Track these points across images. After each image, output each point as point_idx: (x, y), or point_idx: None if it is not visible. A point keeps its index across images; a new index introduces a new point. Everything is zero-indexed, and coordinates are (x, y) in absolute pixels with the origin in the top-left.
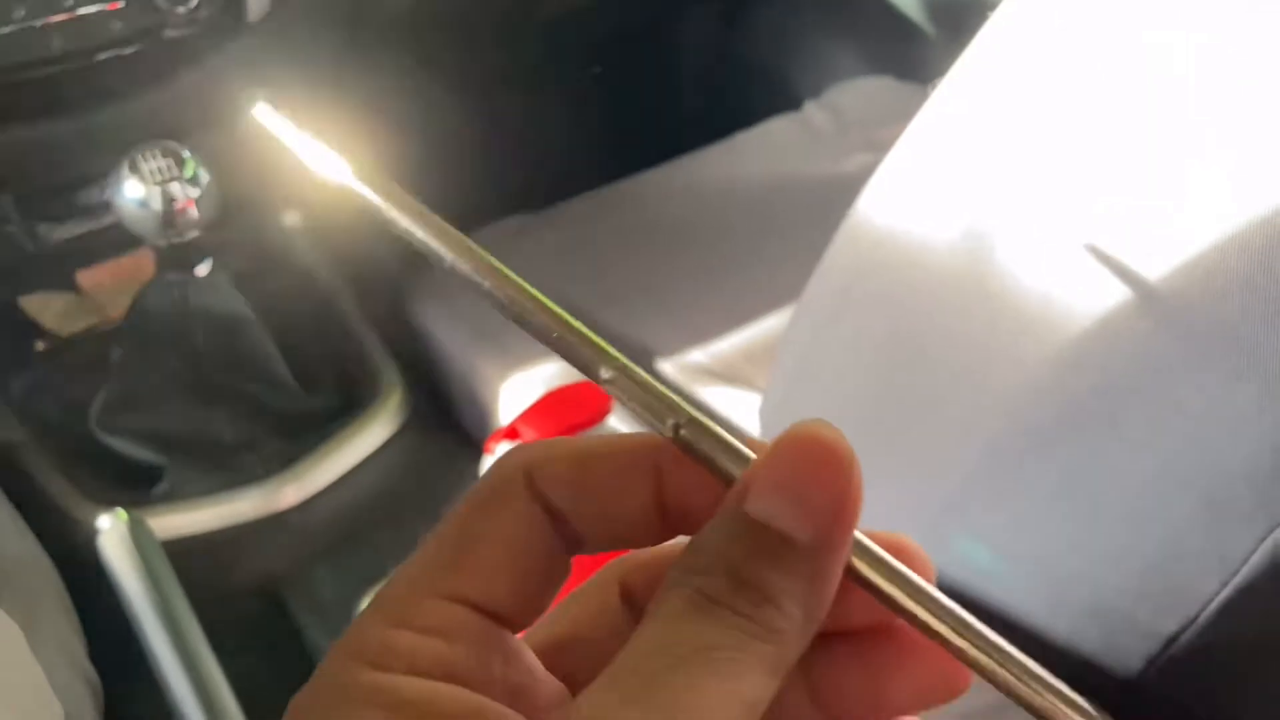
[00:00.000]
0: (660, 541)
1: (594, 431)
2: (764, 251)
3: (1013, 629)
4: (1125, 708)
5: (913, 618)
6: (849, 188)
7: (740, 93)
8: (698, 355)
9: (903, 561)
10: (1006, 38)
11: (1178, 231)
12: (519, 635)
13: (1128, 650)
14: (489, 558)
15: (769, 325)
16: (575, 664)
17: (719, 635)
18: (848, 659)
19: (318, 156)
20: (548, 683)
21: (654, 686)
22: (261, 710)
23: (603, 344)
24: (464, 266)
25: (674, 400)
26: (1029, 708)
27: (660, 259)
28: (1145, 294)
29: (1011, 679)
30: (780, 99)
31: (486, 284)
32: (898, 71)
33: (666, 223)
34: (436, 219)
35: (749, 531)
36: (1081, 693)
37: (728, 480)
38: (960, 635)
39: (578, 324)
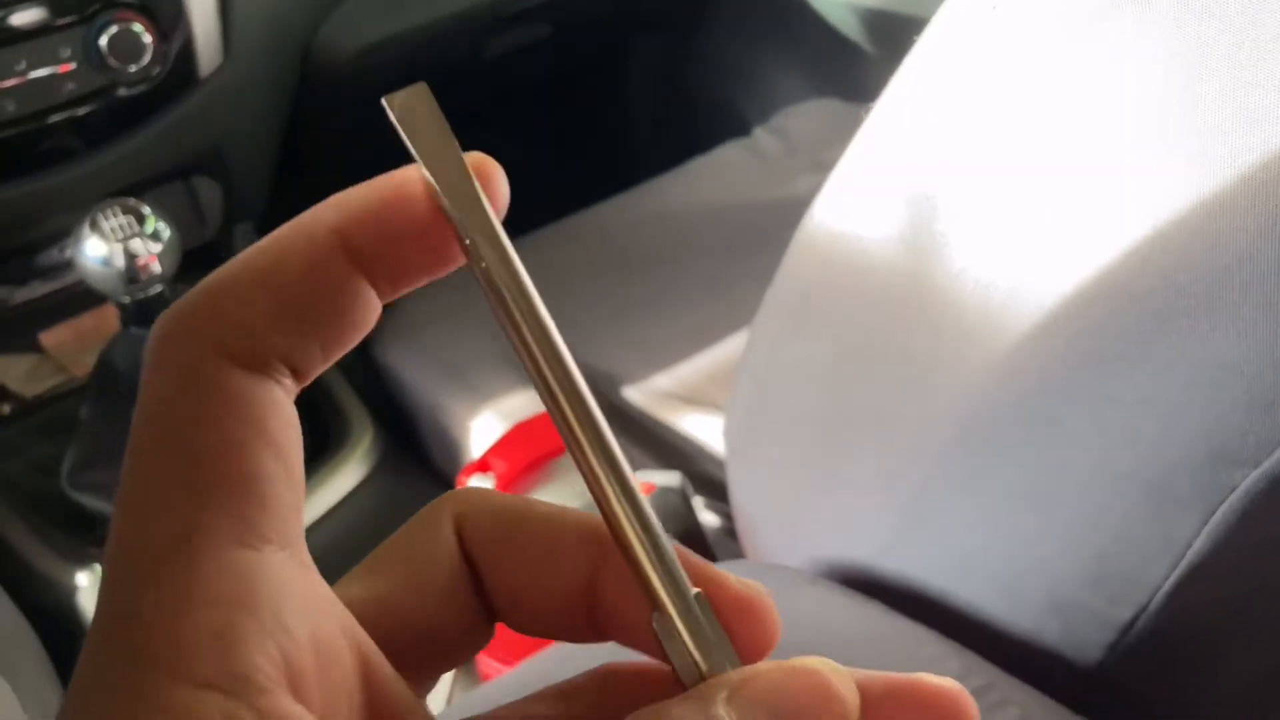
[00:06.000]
0: (584, 640)
1: (561, 462)
2: (722, 275)
3: (977, 627)
4: (1090, 698)
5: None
6: (800, 209)
7: (690, 121)
8: (663, 381)
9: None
10: (943, 39)
11: (1097, 234)
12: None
13: (1087, 640)
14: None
15: (731, 347)
16: (397, 631)
17: None
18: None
19: (444, 161)
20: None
21: None
22: None
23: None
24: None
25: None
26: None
27: (621, 287)
28: (1078, 291)
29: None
30: (730, 125)
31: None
32: (842, 93)
33: (625, 252)
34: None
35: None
36: (1048, 685)
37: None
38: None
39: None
